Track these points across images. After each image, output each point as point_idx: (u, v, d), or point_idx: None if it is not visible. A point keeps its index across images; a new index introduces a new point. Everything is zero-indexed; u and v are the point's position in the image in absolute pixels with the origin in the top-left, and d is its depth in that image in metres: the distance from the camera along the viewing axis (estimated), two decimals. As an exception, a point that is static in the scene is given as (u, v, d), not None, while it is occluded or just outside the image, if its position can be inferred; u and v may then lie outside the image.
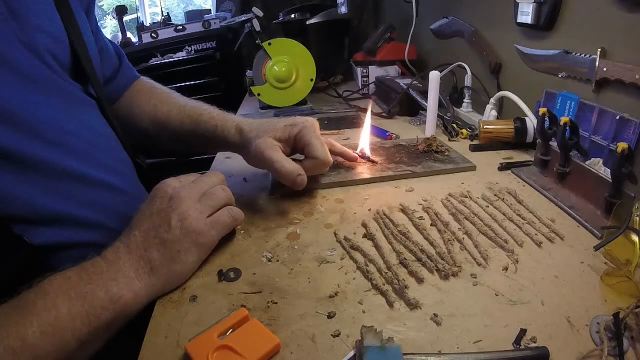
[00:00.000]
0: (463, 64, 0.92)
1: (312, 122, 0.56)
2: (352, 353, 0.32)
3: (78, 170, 0.45)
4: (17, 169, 0.40)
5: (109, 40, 0.66)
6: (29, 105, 0.42)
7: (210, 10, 2.52)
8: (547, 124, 0.58)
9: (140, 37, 2.04)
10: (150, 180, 0.48)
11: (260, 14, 1.06)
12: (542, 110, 0.57)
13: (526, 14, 0.71)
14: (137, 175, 0.58)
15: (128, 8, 2.24)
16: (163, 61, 1.95)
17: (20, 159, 0.40)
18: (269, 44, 1.05)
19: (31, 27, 0.44)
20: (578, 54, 0.63)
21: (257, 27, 1.05)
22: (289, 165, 0.51)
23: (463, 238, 0.47)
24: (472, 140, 0.78)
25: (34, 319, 0.32)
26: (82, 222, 0.45)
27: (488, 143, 0.74)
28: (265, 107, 1.11)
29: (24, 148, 0.40)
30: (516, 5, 0.74)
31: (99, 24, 0.63)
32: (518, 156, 0.70)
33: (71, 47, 0.50)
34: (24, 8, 0.43)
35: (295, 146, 0.56)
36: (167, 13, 2.49)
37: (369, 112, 0.70)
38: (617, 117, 0.56)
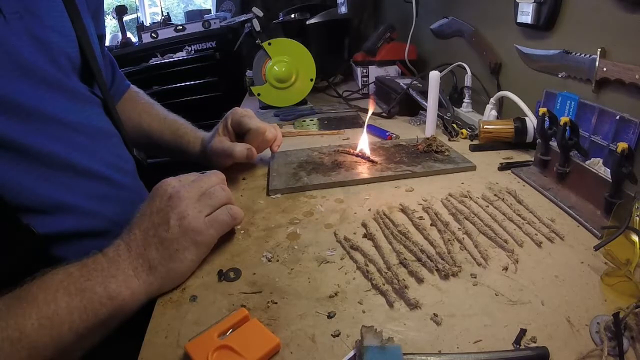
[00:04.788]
0: (463, 64, 0.92)
1: (236, 109, 0.66)
2: (352, 353, 0.32)
3: (80, 163, 0.47)
4: (22, 161, 0.42)
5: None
6: (35, 100, 0.44)
7: (210, 10, 2.52)
8: (547, 124, 0.58)
9: (140, 37, 2.04)
10: (151, 179, 0.49)
11: (260, 14, 1.06)
12: (542, 110, 0.57)
13: (526, 14, 0.71)
14: (137, 172, 0.59)
15: (128, 8, 2.24)
16: (163, 61, 1.95)
17: (26, 150, 0.42)
18: (269, 44, 1.05)
19: (45, 26, 0.46)
20: (578, 54, 0.63)
21: (257, 27, 1.05)
22: (238, 146, 0.61)
23: (463, 238, 0.47)
24: (472, 140, 0.78)
25: (34, 312, 0.32)
26: (85, 212, 0.46)
27: (488, 143, 0.74)
28: (265, 107, 1.11)
29: (29, 140, 0.42)
30: (516, 5, 0.74)
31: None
32: (518, 156, 0.70)
33: (80, 48, 0.52)
34: (38, 8, 0.46)
35: (237, 133, 0.65)
36: (167, 13, 2.49)
37: (368, 115, 0.70)
38: (617, 117, 0.56)
